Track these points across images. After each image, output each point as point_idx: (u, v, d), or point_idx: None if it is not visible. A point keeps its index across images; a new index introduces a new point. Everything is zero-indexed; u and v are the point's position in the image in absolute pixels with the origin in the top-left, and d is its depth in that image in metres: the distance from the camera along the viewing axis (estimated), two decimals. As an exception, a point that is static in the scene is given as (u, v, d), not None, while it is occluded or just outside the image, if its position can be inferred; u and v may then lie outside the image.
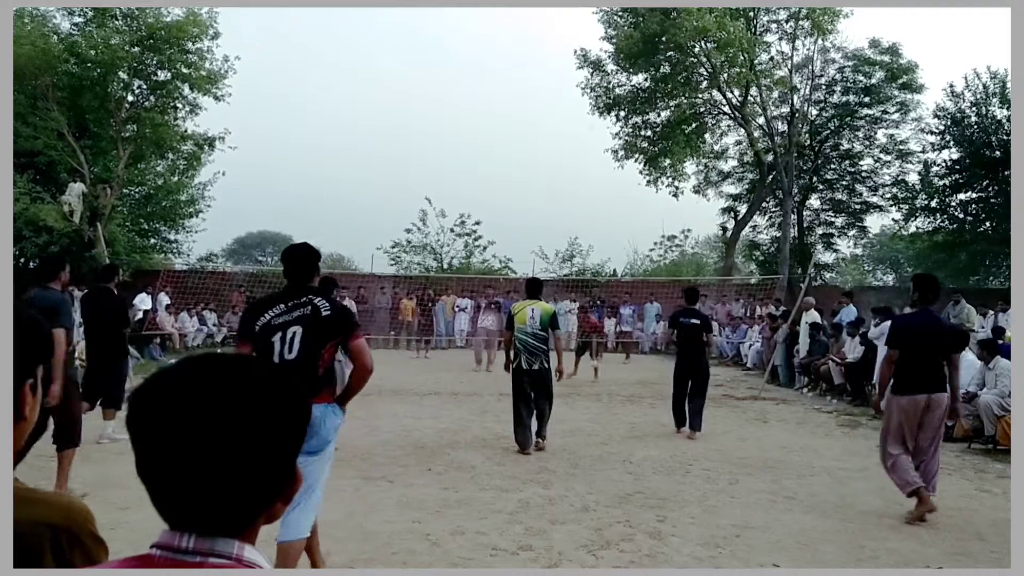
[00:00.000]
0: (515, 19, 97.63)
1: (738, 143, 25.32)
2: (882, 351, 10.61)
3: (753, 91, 22.52)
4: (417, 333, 19.06)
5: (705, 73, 22.39)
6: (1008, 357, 7.83)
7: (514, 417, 7.30)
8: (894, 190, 24.46)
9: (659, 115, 23.88)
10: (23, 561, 1.10)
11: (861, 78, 23.37)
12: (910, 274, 33.66)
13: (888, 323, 10.84)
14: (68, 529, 1.18)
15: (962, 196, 22.73)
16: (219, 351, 1.09)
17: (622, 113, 23.95)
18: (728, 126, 24.58)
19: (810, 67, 23.06)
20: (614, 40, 22.51)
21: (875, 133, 24.38)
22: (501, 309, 15.91)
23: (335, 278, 10.15)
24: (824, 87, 23.87)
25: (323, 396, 3.47)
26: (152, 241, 22.54)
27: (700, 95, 23.36)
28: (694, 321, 8.57)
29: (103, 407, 7.22)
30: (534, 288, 7.61)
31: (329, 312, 3.48)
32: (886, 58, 22.98)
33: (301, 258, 3.65)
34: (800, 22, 22.06)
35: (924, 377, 5.27)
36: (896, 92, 23.25)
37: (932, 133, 22.96)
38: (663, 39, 21.10)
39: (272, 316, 3.46)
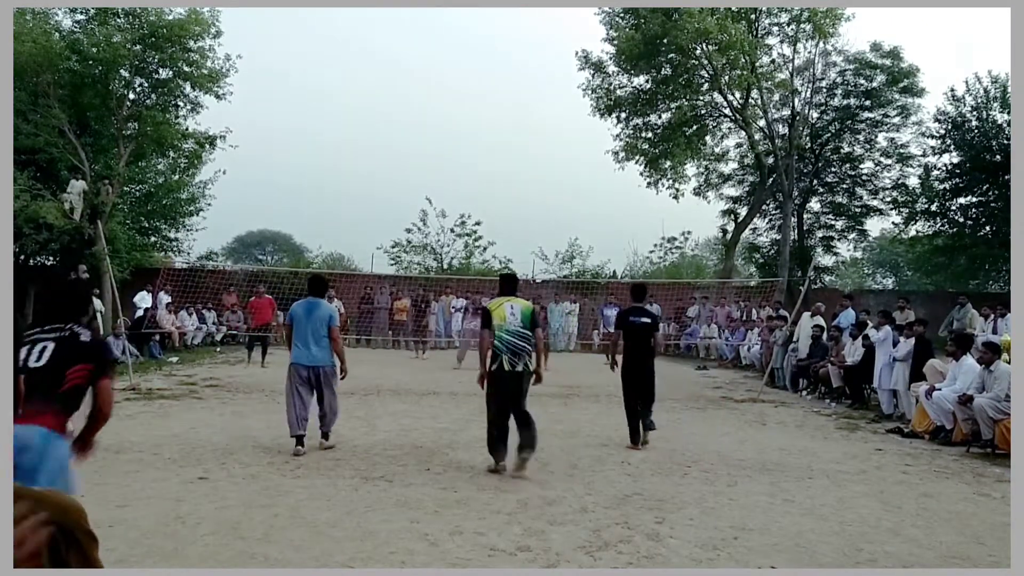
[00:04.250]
0: (519, 19, 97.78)
1: (739, 145, 25.41)
2: (882, 355, 10.65)
3: (754, 94, 22.55)
4: (413, 333, 19.04)
5: (706, 75, 22.41)
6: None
7: (490, 428, 6.48)
8: (894, 194, 24.50)
9: (660, 117, 23.93)
10: None
11: (862, 81, 23.39)
12: (909, 278, 33.81)
13: (887, 328, 10.89)
14: (63, 525, 1.19)
15: (962, 200, 22.75)
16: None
17: (623, 115, 23.98)
18: (729, 128, 24.62)
19: (811, 70, 23.09)
20: (615, 42, 22.53)
21: (876, 136, 24.41)
22: None
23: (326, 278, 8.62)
24: (825, 90, 23.89)
25: (50, 416, 3.16)
26: (152, 239, 22.52)
27: (701, 97, 23.41)
28: (644, 320, 7.84)
29: None
30: (510, 283, 6.92)
31: (88, 339, 3.46)
32: (887, 62, 23.01)
33: (67, 298, 3.57)
34: (801, 25, 22.10)
35: None
36: (897, 96, 23.27)
37: (933, 137, 23.01)
38: (664, 41, 21.13)
39: (26, 336, 3.37)
